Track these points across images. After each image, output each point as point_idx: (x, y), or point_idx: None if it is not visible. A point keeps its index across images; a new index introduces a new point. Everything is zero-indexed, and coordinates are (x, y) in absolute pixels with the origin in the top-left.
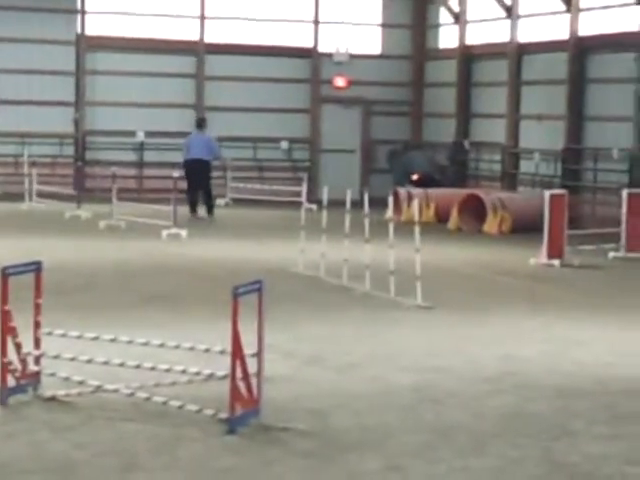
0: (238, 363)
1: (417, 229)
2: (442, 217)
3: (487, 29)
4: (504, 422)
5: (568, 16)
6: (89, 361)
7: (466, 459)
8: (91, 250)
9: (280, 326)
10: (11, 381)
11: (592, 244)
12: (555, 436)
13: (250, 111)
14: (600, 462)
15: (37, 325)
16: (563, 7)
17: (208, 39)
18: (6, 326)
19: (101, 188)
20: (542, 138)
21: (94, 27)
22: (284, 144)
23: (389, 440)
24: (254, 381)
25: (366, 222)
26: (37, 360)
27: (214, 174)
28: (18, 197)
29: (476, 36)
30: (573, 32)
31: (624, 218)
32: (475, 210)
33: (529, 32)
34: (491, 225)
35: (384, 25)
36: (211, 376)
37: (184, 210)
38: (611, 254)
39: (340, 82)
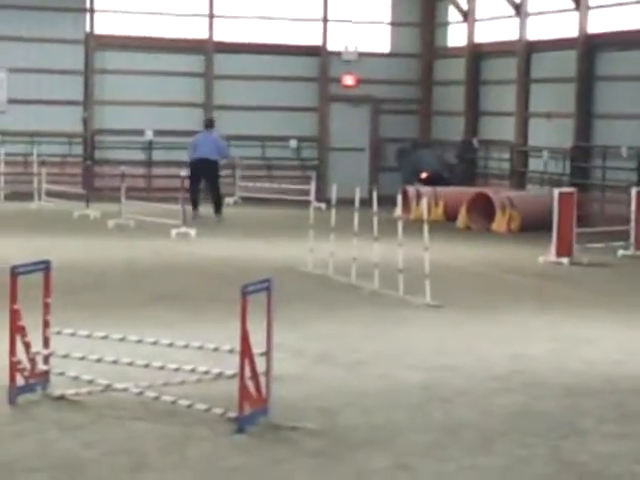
0: (247, 362)
1: (426, 227)
2: (451, 215)
3: (496, 27)
4: (512, 421)
5: (577, 14)
6: (98, 360)
7: (474, 457)
8: (100, 249)
9: (289, 325)
10: (20, 380)
11: (601, 242)
12: (564, 435)
13: (259, 110)
14: (609, 461)
15: (46, 324)
16: (572, 5)
17: (217, 38)
18: (15, 325)
19: (110, 187)
20: (551, 136)
21: (103, 26)
22: (293, 143)
23: (398, 438)
24: (263, 380)
25: (375, 220)
26: (46, 359)
27: (223, 173)
28: (27, 196)
29: (485, 34)
30: (582, 30)
31: (633, 216)
32: (484, 208)
33: (538, 30)
34: (500, 223)
35: (393, 23)
36: (220, 375)
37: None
38: (620, 252)
39: (349, 80)
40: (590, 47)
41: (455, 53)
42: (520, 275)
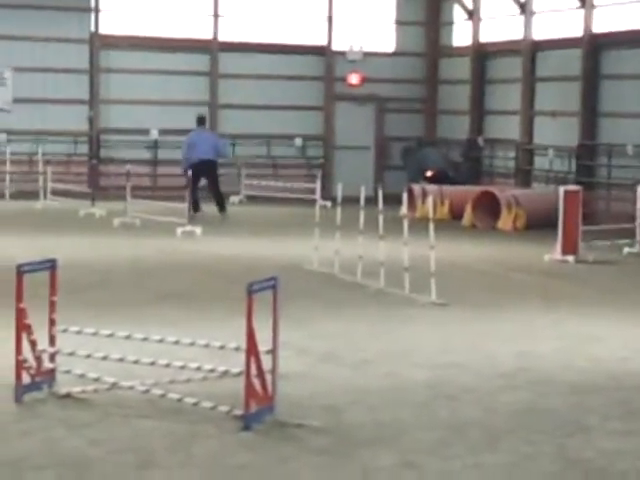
0: (253, 360)
1: (431, 226)
2: (456, 214)
3: (501, 26)
4: (518, 418)
5: (582, 12)
6: (104, 358)
7: (480, 455)
8: (105, 248)
9: (294, 323)
10: (26, 378)
11: (606, 240)
12: (569, 432)
13: (264, 109)
14: (614, 458)
15: (52, 322)
16: (577, 3)
17: (222, 37)
18: (21, 323)
19: (115, 186)
20: (556, 134)
21: (108, 25)
22: (298, 141)
23: (403, 436)
24: (269, 378)
25: (380, 219)
26: (52, 357)
27: (228, 171)
28: (33, 195)
29: (490, 33)
30: (587, 28)
31: (639, 214)
32: (489, 207)
33: (543, 29)
34: (505, 222)
35: (398, 22)
36: (226, 373)
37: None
38: (626, 250)
39: (354, 79)
40: (595, 46)
41: (460, 52)
42: (526, 273)
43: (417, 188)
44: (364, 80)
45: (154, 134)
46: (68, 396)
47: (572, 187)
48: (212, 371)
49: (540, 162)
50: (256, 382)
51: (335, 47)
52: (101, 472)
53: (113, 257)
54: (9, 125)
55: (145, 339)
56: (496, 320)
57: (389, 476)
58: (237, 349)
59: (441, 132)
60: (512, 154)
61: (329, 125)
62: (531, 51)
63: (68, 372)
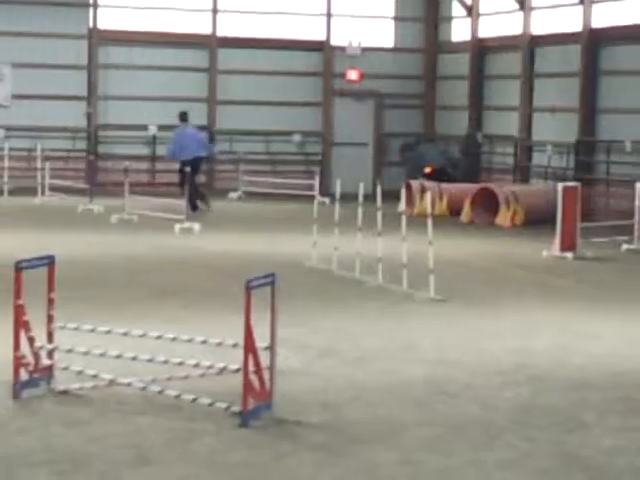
0: (251, 356)
1: (430, 222)
2: (455, 210)
3: (500, 22)
4: (517, 415)
5: (581, 8)
6: (102, 355)
7: (479, 452)
8: (104, 244)
9: (293, 319)
10: (24, 375)
11: (605, 236)
12: (568, 429)
13: (262, 104)
14: (613, 454)
15: (50, 319)
16: None
17: (220, 32)
18: (19, 320)
19: (113, 182)
20: (555, 130)
21: (106, 21)
22: (296, 137)
23: (402, 433)
24: (267, 374)
25: (379, 215)
26: (50, 354)
27: (226, 168)
28: (31, 191)
29: (489, 29)
30: (586, 24)
31: (637, 210)
32: (488, 203)
33: (542, 24)
34: (504, 218)
35: (396, 18)
36: (224, 369)
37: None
38: (624, 246)
39: (352, 75)
40: (594, 41)
41: (459, 48)
42: (524, 269)
43: (415, 184)
44: (363, 76)
45: (152, 130)
46: (66, 393)
47: (570, 183)
48: (210, 368)
49: (539, 158)
50: (254, 379)
51: (334, 43)
52: (98, 468)
53: (111, 253)
54: (7, 121)
55: (143, 336)
56: (495, 316)
57: (388, 473)
58: (235, 345)
59: (440, 128)
60: (511, 150)
61: (327, 121)
62: (530, 47)
63: (66, 369)
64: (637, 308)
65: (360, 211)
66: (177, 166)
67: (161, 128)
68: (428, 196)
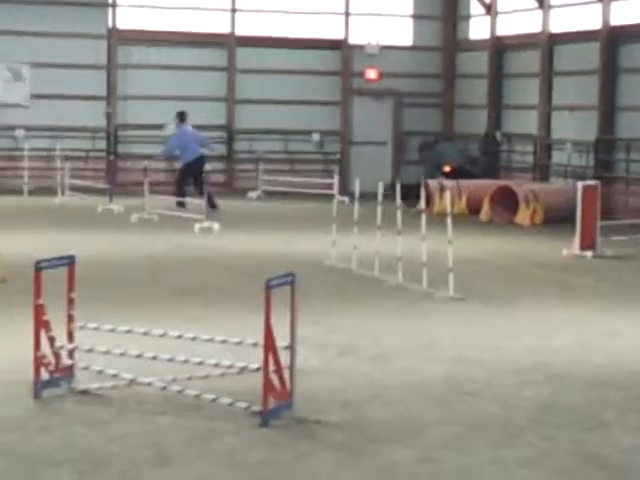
0: (271, 355)
1: (449, 221)
2: (474, 209)
3: (518, 20)
4: (536, 413)
5: (600, 5)
6: (122, 354)
7: (498, 451)
8: (123, 244)
9: (312, 318)
10: (45, 375)
11: (625, 235)
12: (587, 427)
13: (281, 103)
14: (633, 453)
15: (70, 319)
16: None
17: (239, 32)
18: (39, 320)
19: (133, 182)
20: (574, 129)
21: (125, 21)
22: (315, 136)
23: (422, 432)
24: (287, 373)
25: (398, 214)
26: (70, 353)
27: (245, 167)
28: (51, 191)
29: (507, 27)
30: (605, 21)
31: None
32: (507, 202)
33: (561, 22)
34: (523, 216)
35: (415, 16)
36: (244, 369)
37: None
38: None
39: (371, 74)
40: (613, 39)
41: (478, 46)
42: (544, 268)
43: (435, 183)
44: (381, 75)
45: (171, 129)
46: (86, 392)
47: (590, 182)
48: (230, 367)
49: (558, 157)
50: (274, 378)
51: (352, 41)
52: (119, 468)
53: (131, 253)
54: (27, 121)
55: (163, 335)
56: (514, 315)
57: (407, 471)
58: (255, 345)
59: (458, 127)
60: (530, 149)
61: (346, 120)
62: (549, 45)
63: (86, 368)
64: None
65: (379, 210)
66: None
67: None
68: (447, 195)
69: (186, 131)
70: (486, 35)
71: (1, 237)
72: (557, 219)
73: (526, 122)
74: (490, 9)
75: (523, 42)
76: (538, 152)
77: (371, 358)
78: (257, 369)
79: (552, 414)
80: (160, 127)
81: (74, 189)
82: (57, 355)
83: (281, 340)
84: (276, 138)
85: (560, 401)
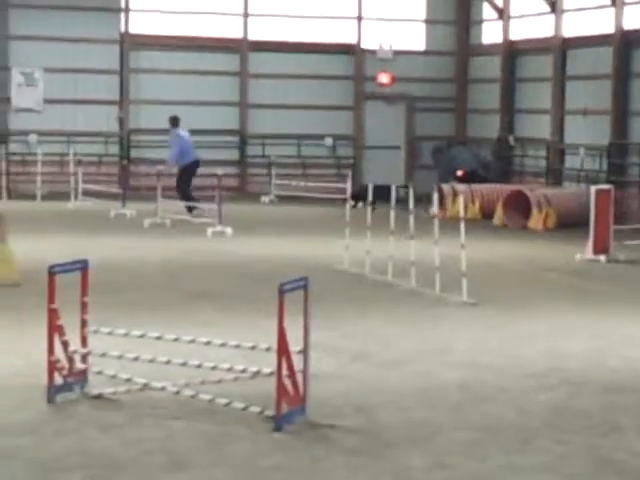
0: (284, 360)
1: (462, 225)
2: (487, 213)
3: (531, 24)
4: (551, 418)
5: (613, 10)
6: (136, 359)
7: (513, 456)
8: (136, 248)
9: (325, 323)
10: (58, 379)
11: (638, 239)
12: (602, 432)
13: (294, 108)
14: None
15: (84, 323)
16: (608, 1)
17: (251, 36)
18: (53, 324)
19: (146, 186)
20: (587, 133)
21: (138, 25)
22: (328, 141)
23: (436, 437)
24: (300, 378)
25: (411, 219)
26: (84, 358)
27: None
28: (64, 196)
29: (520, 31)
30: (618, 26)
31: None
32: (520, 206)
33: (573, 27)
34: (536, 221)
35: (427, 21)
36: (257, 373)
37: (228, 208)
38: None
39: (384, 79)
40: (626, 43)
41: (490, 50)
42: (557, 272)
43: (447, 187)
44: (394, 79)
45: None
46: (100, 397)
47: (603, 186)
48: (243, 372)
49: (571, 161)
50: (288, 382)
51: (365, 46)
52: (132, 473)
53: (144, 258)
54: (40, 126)
55: (176, 340)
56: (527, 320)
57: (421, 477)
58: (268, 349)
59: (471, 131)
60: (543, 153)
61: (359, 124)
62: (561, 49)
63: (100, 373)
64: None
65: (392, 214)
66: (184, 169)
67: (193, 132)
68: (460, 199)
69: (183, 136)
70: (499, 39)
71: (15, 241)
72: (570, 224)
73: (539, 126)
74: (503, 13)
75: (536, 46)
76: (551, 156)
77: (384, 363)
78: (270, 374)
79: (567, 419)
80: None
81: (87, 194)
82: (71, 359)
83: (294, 344)
84: (289, 143)
85: (575, 406)
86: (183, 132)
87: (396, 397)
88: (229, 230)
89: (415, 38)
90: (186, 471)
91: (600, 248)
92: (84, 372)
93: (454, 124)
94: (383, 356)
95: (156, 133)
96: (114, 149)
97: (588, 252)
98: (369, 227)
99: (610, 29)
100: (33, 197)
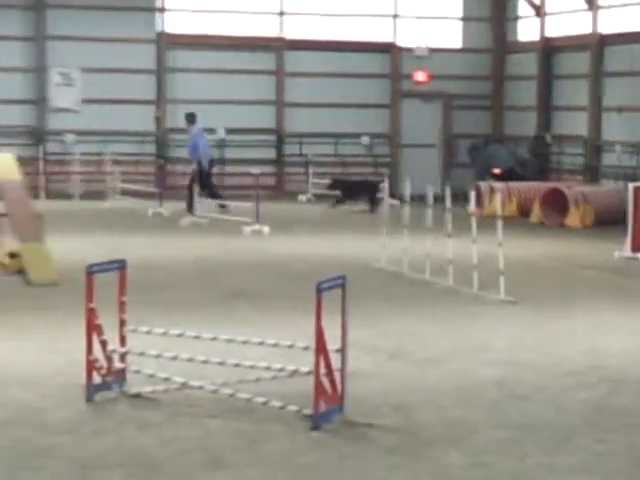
0: (322, 359)
1: (500, 223)
2: (524, 211)
3: (568, 21)
4: (590, 416)
5: None
6: (174, 358)
7: (552, 455)
8: (173, 247)
9: (363, 321)
10: (97, 378)
11: None
12: None
13: (330, 107)
14: None
15: (122, 323)
16: None
17: (288, 35)
18: (92, 323)
19: (183, 185)
20: (624, 130)
21: (174, 25)
22: (365, 139)
23: (474, 435)
24: (338, 377)
25: (448, 217)
26: (122, 357)
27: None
28: (101, 195)
29: (557, 28)
30: None
31: None
32: (557, 204)
33: (610, 23)
34: (574, 218)
35: (464, 18)
36: (295, 372)
37: (265, 207)
38: None
39: (420, 76)
40: None
41: (527, 47)
42: (595, 270)
43: (484, 185)
44: (431, 77)
45: (221, 133)
46: (138, 396)
47: None
48: (281, 370)
49: (608, 158)
50: (325, 381)
51: (401, 44)
52: (170, 472)
53: (181, 257)
54: (77, 126)
55: (214, 339)
56: (566, 317)
57: (460, 475)
58: (306, 348)
59: (508, 129)
60: (580, 150)
61: (395, 123)
62: (599, 46)
63: (138, 372)
64: None
65: (429, 212)
66: (194, 167)
67: (230, 131)
68: (498, 197)
69: (200, 133)
70: (535, 36)
71: (53, 241)
72: (608, 221)
73: (576, 124)
74: (539, 10)
75: (573, 43)
76: (588, 154)
77: (422, 361)
78: (308, 372)
79: (606, 417)
80: (210, 131)
81: (124, 193)
82: (109, 359)
83: (331, 343)
84: (325, 141)
85: (614, 404)
86: (198, 129)
87: (433, 395)
88: (266, 229)
89: (451, 35)
90: (223, 470)
91: (638, 245)
92: (122, 371)
93: (491, 122)
94: (420, 354)
95: None
96: (151, 148)
97: (626, 249)
98: (406, 225)
99: None
100: (70, 197)
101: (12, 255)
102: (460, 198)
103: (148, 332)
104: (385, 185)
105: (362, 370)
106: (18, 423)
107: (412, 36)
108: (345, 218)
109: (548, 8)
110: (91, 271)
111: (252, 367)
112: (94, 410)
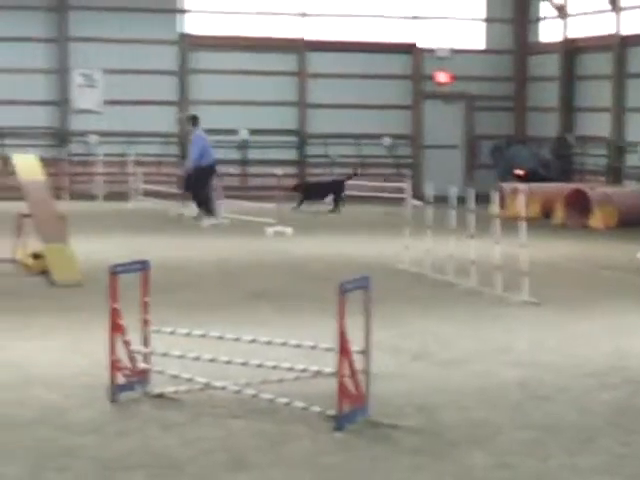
0: (345, 360)
1: (523, 224)
2: (547, 212)
3: (590, 22)
4: (613, 418)
5: None
6: (197, 358)
7: (575, 456)
8: (196, 248)
9: (386, 322)
10: (121, 379)
11: None
12: None
13: (352, 108)
14: None
15: (146, 323)
16: None
17: (309, 36)
18: (115, 324)
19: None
20: None
21: (197, 26)
22: (387, 140)
23: (497, 436)
24: (361, 378)
25: (471, 218)
26: (146, 358)
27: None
28: (124, 196)
29: (579, 29)
30: None
31: None
32: (580, 205)
33: (633, 24)
34: (597, 220)
35: (486, 20)
36: (318, 373)
37: (288, 207)
38: None
39: (442, 77)
40: None
41: (549, 49)
42: (618, 271)
43: (507, 187)
44: (453, 78)
45: (243, 134)
46: (161, 396)
47: None
48: (304, 371)
49: (631, 159)
50: (349, 382)
51: (423, 45)
52: (193, 472)
53: (204, 257)
54: (100, 127)
55: (237, 339)
56: (589, 319)
57: (483, 476)
58: (329, 349)
59: (530, 130)
60: (603, 151)
61: (417, 124)
62: (621, 47)
63: (161, 372)
64: None
65: (452, 213)
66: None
67: (252, 132)
68: (521, 198)
69: (203, 136)
70: (558, 37)
71: (76, 242)
72: (631, 222)
73: (599, 125)
74: (562, 11)
75: (595, 44)
76: (611, 155)
77: (445, 362)
78: (332, 373)
79: (629, 418)
80: (232, 132)
81: (147, 194)
82: (132, 359)
83: (355, 344)
84: (347, 142)
85: (637, 405)
86: (201, 132)
87: (457, 397)
88: (289, 230)
89: (473, 36)
90: (246, 470)
91: None
92: (146, 372)
93: (513, 123)
94: (443, 356)
95: (215, 133)
96: (173, 149)
97: None
98: (429, 226)
99: None
100: (94, 197)
101: (36, 256)
102: (483, 199)
103: (172, 333)
104: (407, 186)
105: (385, 371)
106: (42, 423)
107: (434, 37)
108: (368, 219)
109: (570, 9)
110: (115, 272)
111: (275, 368)
112: (117, 410)
